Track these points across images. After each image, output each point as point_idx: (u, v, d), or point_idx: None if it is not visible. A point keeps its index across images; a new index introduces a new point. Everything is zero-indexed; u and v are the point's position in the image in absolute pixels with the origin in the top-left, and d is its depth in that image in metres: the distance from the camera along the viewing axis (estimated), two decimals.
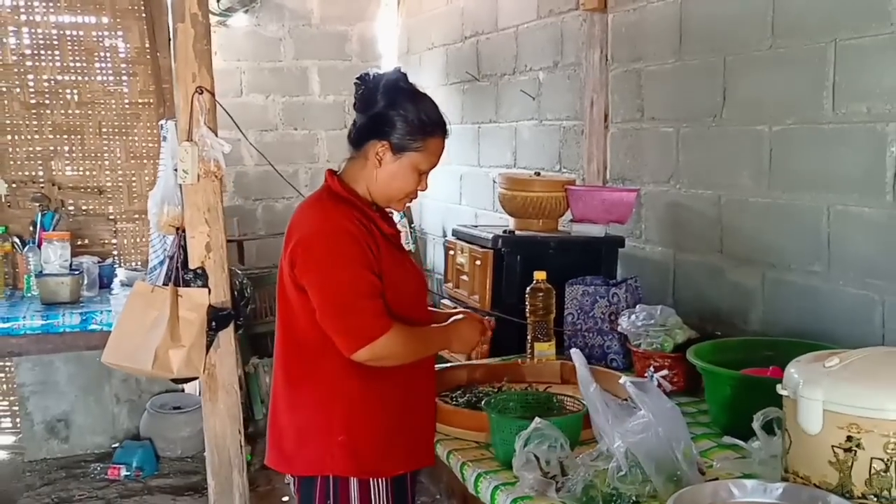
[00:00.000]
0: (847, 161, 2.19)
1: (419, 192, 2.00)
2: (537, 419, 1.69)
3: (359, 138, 1.95)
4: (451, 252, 3.21)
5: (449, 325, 2.05)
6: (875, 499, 1.36)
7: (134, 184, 4.40)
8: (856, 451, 1.37)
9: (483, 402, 2.02)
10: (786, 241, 2.41)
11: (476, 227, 3.28)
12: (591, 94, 3.25)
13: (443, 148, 1.97)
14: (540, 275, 2.47)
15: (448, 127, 1.97)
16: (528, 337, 2.49)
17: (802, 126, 2.32)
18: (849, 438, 1.37)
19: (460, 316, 2.09)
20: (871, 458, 1.35)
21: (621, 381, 1.66)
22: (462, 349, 2.14)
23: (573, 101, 3.43)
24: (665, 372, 2.19)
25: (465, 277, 3.07)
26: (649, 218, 3.02)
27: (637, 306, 2.41)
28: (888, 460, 1.34)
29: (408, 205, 2.05)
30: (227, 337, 2.87)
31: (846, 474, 1.38)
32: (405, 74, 1.96)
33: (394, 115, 1.89)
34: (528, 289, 2.47)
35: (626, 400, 1.69)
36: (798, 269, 2.36)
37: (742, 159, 2.55)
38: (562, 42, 3.52)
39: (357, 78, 1.96)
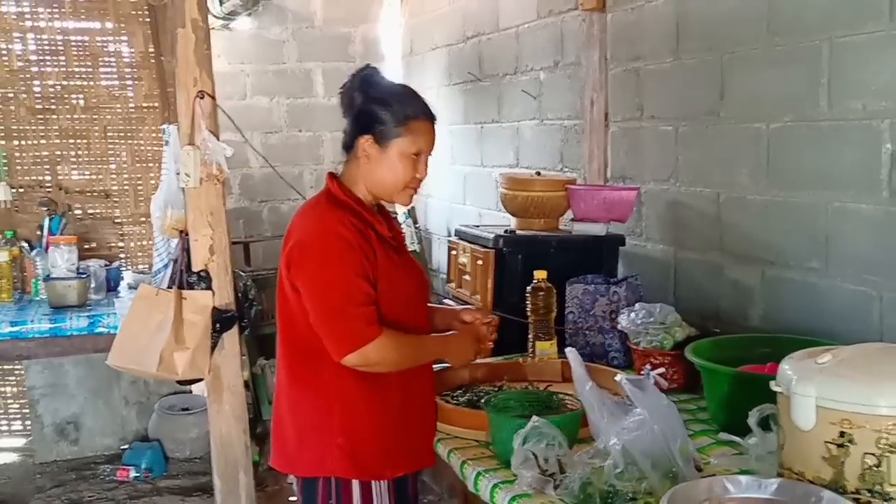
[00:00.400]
0: (843, 158, 2.20)
1: (420, 181, 1.97)
2: (536, 418, 1.70)
3: (348, 140, 1.98)
4: (454, 252, 3.23)
5: (447, 336, 2.06)
6: (868, 493, 1.37)
7: (140, 187, 4.44)
8: (848, 447, 1.38)
9: (483, 401, 2.04)
10: (784, 238, 2.41)
11: (478, 227, 3.30)
12: (591, 94, 3.26)
13: (429, 130, 1.96)
14: (541, 274, 2.49)
15: (430, 109, 1.97)
16: (530, 336, 2.51)
17: (799, 123, 2.33)
18: (841, 434, 1.38)
19: (455, 332, 2.09)
20: (864, 454, 1.36)
21: (617, 378, 1.67)
22: (457, 363, 2.14)
23: (574, 101, 3.45)
24: (663, 369, 2.20)
25: (467, 277, 3.08)
26: (650, 216, 3.03)
27: (637, 304, 2.42)
28: (880, 455, 1.35)
29: (413, 196, 1.99)
30: (231, 339, 2.89)
31: (839, 470, 1.39)
32: (376, 68, 2.00)
33: (371, 107, 1.92)
34: (529, 288, 2.49)
35: (623, 397, 1.70)
36: (797, 266, 2.37)
37: (740, 157, 2.56)
38: (562, 42, 3.53)
39: (340, 87, 2.00)
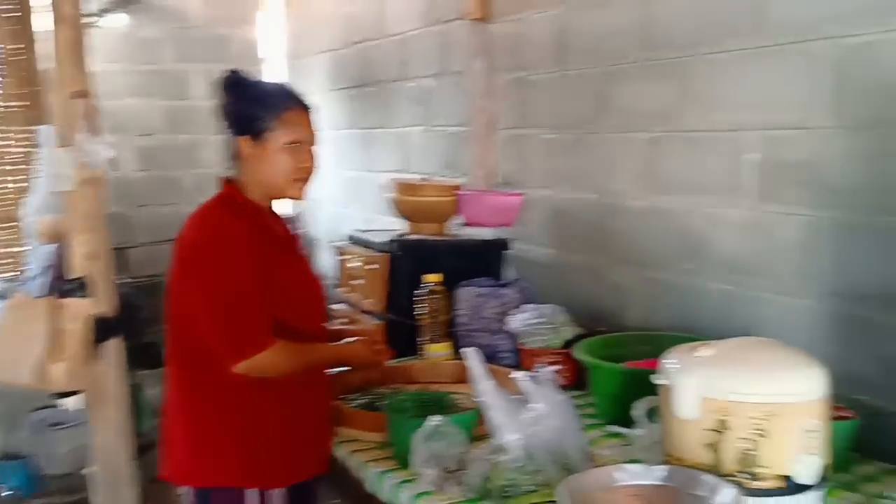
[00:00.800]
0: (712, 166, 2.36)
1: (308, 171, 1.96)
2: (437, 416, 1.74)
3: (231, 146, 1.97)
4: (344, 256, 3.23)
5: (343, 344, 2.10)
6: (743, 475, 1.49)
7: (6, 191, 4.18)
8: (725, 433, 1.49)
9: (380, 403, 2.07)
10: (660, 241, 2.56)
11: (369, 231, 3.32)
12: (477, 102, 3.35)
13: (303, 119, 1.96)
14: (434, 277, 2.54)
15: (301, 98, 1.98)
16: (422, 339, 2.55)
17: (672, 134, 2.49)
18: (718, 422, 1.49)
19: (354, 339, 2.13)
20: (739, 439, 1.48)
21: (515, 375, 1.74)
22: (359, 363, 2.16)
23: (461, 108, 3.52)
24: (557, 367, 2.28)
25: (358, 281, 3.10)
26: (536, 221, 3.13)
27: (525, 306, 2.51)
28: (753, 440, 1.47)
29: (304, 188, 1.98)
30: (112, 348, 2.78)
31: (718, 455, 1.50)
32: (239, 71, 1.99)
33: (241, 108, 1.93)
34: (421, 291, 2.54)
35: (518, 395, 1.77)
36: (671, 267, 2.52)
37: (619, 165, 2.70)
38: (448, 50, 3.60)
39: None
